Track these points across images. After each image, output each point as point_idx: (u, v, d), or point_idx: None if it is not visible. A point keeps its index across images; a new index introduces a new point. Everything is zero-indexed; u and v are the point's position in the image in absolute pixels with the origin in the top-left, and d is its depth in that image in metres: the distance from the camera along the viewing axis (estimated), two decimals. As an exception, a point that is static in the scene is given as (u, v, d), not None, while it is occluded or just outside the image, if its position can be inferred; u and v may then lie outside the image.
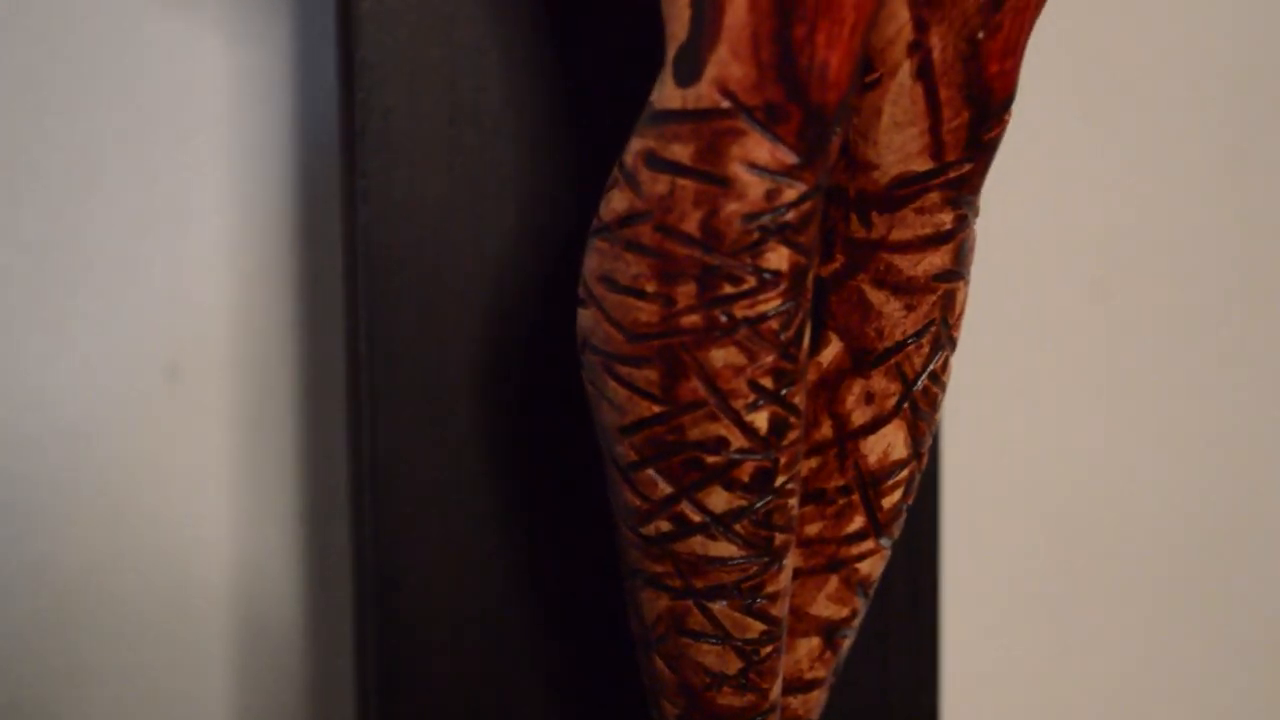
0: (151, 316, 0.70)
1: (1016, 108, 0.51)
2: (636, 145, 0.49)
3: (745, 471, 0.50)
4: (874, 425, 0.53)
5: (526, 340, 0.60)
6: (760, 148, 0.47)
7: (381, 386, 0.60)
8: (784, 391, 0.49)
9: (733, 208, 0.47)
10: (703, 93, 0.47)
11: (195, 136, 0.70)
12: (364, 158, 0.59)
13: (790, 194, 0.47)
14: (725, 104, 0.47)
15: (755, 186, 0.47)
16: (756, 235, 0.48)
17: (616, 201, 0.49)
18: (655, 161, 0.48)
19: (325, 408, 0.71)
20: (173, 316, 0.71)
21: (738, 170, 0.47)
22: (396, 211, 0.59)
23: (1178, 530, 0.84)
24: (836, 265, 0.53)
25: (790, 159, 0.47)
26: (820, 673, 0.55)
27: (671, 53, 0.48)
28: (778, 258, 0.48)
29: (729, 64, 0.47)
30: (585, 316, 0.51)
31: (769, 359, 0.49)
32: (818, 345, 0.53)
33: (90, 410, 0.69)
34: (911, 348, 0.53)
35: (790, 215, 0.48)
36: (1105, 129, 0.81)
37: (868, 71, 0.51)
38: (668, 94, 0.48)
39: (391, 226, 0.59)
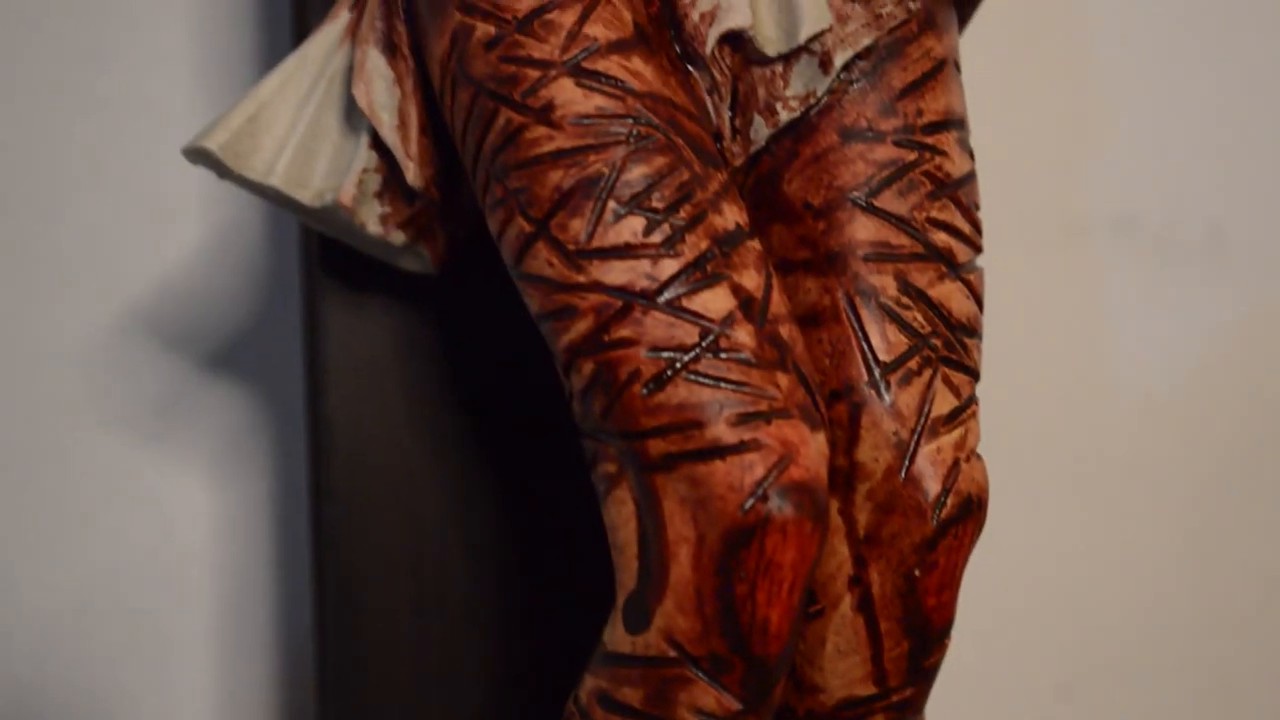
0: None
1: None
2: (590, 684, 0.51)
3: None
4: None
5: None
6: (706, 695, 0.49)
7: None
8: None
9: (682, 752, 0.50)
10: (651, 641, 0.50)
11: (177, 577, 0.72)
12: (333, 651, 0.61)
13: (736, 739, 0.50)
14: (672, 653, 0.49)
15: (703, 733, 0.49)
16: (705, 778, 0.50)
17: (571, 738, 0.51)
18: (607, 702, 0.50)
19: None
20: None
21: (686, 715, 0.49)
22: (365, 699, 0.61)
23: None
24: (788, 783, 0.55)
25: (735, 705, 0.49)
26: None
27: (621, 599, 0.50)
28: (726, 797, 0.50)
29: (675, 616, 0.49)
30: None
31: None
32: None
33: None
34: None
35: (737, 759, 0.50)
36: (1069, 535, 0.83)
37: (811, 603, 0.53)
38: (618, 638, 0.50)
39: (363, 713, 0.61)
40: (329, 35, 0.57)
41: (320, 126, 0.56)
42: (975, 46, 0.72)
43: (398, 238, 0.57)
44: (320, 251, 0.61)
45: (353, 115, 0.56)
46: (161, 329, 0.72)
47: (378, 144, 0.56)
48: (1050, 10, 0.81)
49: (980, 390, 0.78)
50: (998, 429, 0.79)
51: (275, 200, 0.56)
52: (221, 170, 0.56)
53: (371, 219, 0.57)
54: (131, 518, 0.72)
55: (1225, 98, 0.82)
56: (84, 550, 0.71)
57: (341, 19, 0.57)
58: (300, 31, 0.62)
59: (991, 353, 0.83)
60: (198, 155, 0.56)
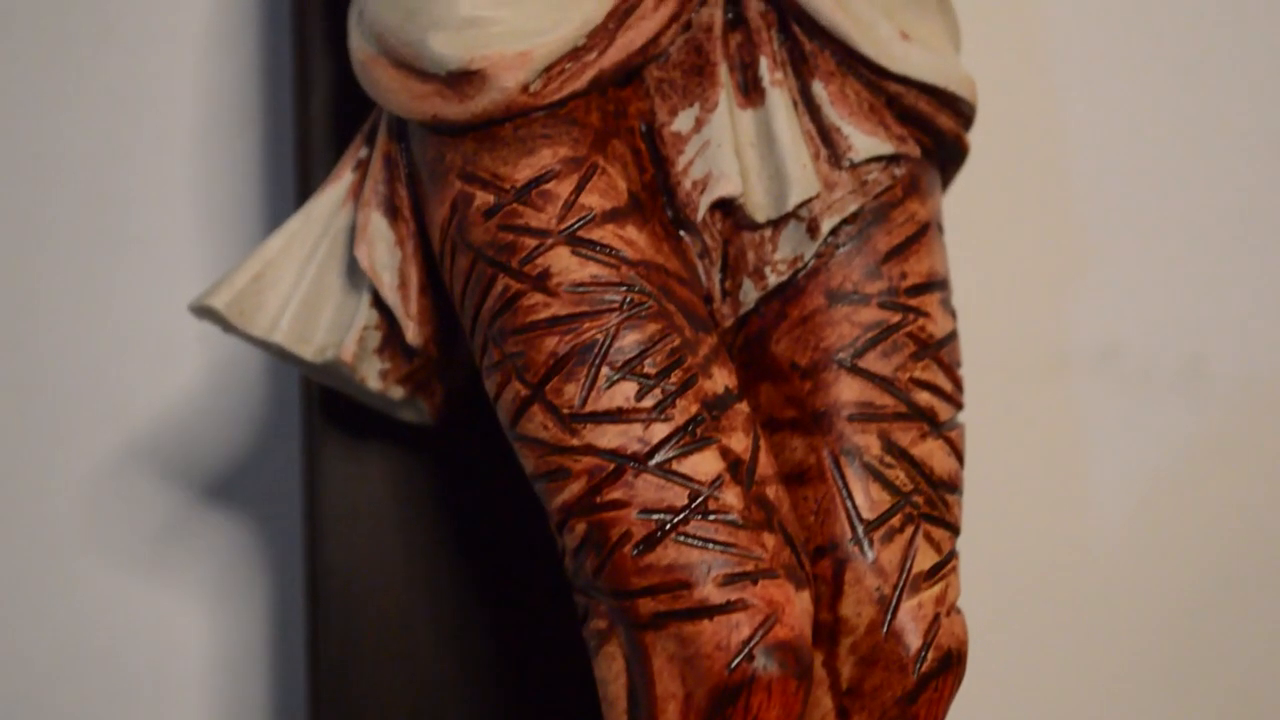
0: None
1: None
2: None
3: None
4: None
5: None
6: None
7: None
8: None
9: None
10: (642, 784, 0.51)
11: (172, 707, 0.74)
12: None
13: None
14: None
15: None
16: None
17: None
18: None
19: None
20: None
21: None
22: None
23: None
24: None
25: None
26: None
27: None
28: None
29: (663, 772, 0.51)
30: None
31: None
32: None
33: None
34: None
35: None
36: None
37: (798, 751, 0.54)
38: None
39: None
40: (332, 195, 0.59)
41: (323, 284, 0.58)
42: (959, 182, 0.74)
43: (397, 392, 0.59)
44: (320, 400, 0.63)
45: (355, 274, 0.58)
46: (160, 464, 0.73)
47: (379, 302, 0.58)
48: (1035, 147, 0.83)
49: (964, 515, 0.79)
50: (981, 555, 0.80)
51: (279, 355, 0.58)
52: (226, 326, 0.58)
53: (372, 374, 0.59)
54: (127, 647, 0.73)
55: (1204, 233, 0.84)
56: (80, 679, 0.73)
57: (345, 180, 0.59)
58: (303, 185, 0.64)
59: (975, 482, 0.84)
60: (204, 312, 0.58)
